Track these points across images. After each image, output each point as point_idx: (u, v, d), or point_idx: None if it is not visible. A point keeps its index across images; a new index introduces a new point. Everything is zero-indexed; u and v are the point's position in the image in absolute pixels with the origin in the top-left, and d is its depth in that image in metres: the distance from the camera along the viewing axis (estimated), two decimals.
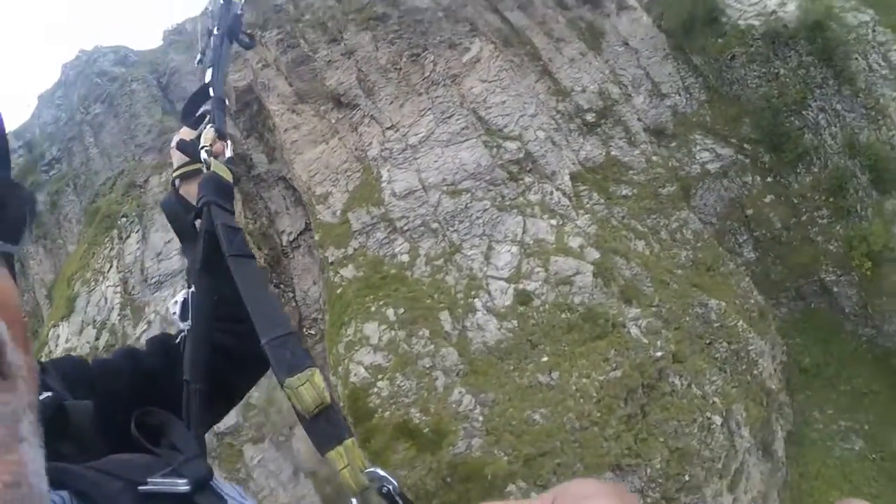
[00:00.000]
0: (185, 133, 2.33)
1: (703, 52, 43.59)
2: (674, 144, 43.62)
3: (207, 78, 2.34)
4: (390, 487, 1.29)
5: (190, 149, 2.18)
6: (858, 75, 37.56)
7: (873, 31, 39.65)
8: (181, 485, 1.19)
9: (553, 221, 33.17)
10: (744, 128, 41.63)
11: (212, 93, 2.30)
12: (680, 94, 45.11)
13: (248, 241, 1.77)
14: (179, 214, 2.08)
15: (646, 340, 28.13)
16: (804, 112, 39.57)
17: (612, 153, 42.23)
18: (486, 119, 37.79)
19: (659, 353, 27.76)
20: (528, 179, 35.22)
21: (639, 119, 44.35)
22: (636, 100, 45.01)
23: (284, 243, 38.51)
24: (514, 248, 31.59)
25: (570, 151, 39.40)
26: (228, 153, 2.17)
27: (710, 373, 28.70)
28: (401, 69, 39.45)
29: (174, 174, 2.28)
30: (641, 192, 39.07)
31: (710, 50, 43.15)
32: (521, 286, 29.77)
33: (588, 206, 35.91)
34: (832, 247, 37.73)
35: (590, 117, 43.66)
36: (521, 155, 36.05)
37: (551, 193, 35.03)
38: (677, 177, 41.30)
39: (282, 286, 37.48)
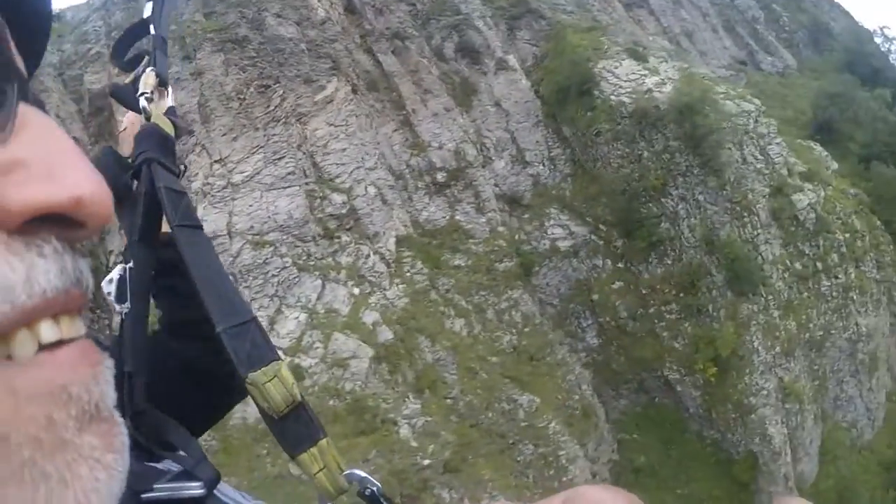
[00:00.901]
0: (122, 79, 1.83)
1: (573, 123, 39.41)
2: (527, 216, 39.50)
3: (147, 12, 1.74)
4: (374, 489, 1.13)
5: (125, 95, 1.66)
6: (728, 167, 33.80)
7: (755, 121, 36.35)
8: (195, 488, 1.08)
9: (356, 290, 28.85)
10: (601, 208, 37.46)
11: (152, 30, 1.73)
12: (544, 164, 41.08)
13: (194, 209, 1.37)
14: (114, 173, 1.50)
15: (415, 444, 23.46)
16: (663, 199, 35.51)
17: (457, 217, 37.92)
18: (321, 166, 33.48)
19: (427, 462, 23.07)
20: (344, 238, 30.98)
21: (495, 184, 40.17)
22: (497, 164, 40.86)
23: (110, 263, 34.00)
24: (303, 316, 27.12)
25: (403, 212, 35.28)
26: (170, 102, 1.67)
27: (502, 479, 24.39)
28: (244, 99, 34.64)
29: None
30: (477, 263, 34.91)
31: (578, 122, 38.93)
32: (297, 361, 25.04)
33: (408, 274, 31.59)
34: (678, 345, 34.03)
35: (440, 177, 39.28)
36: (345, 210, 31.83)
37: (367, 257, 30.70)
38: (521, 251, 36.96)
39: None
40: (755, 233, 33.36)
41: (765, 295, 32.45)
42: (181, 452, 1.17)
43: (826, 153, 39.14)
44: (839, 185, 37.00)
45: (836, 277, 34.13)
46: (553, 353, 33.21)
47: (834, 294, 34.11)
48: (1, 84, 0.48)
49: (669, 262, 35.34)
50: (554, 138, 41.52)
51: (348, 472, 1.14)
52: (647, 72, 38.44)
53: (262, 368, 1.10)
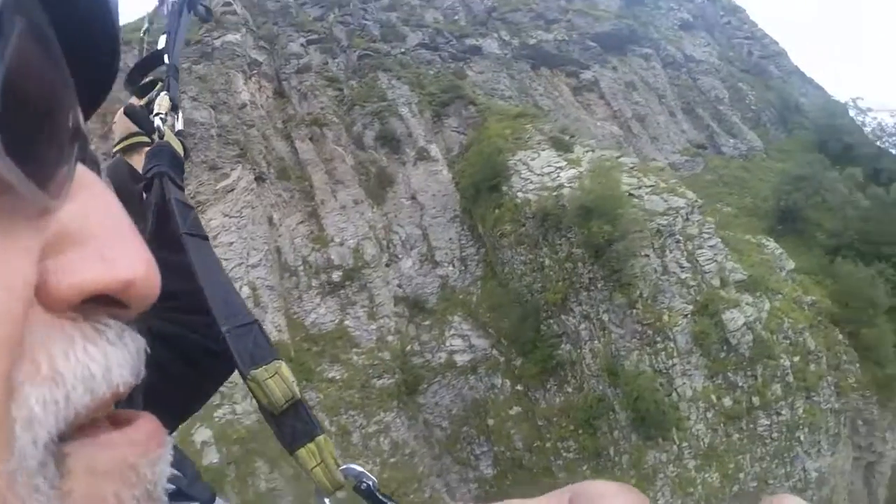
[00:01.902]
0: (134, 101, 1.84)
1: (484, 221, 31.33)
2: (427, 322, 31.88)
3: (161, 44, 1.84)
4: (370, 483, 1.10)
5: (139, 116, 1.72)
6: (642, 279, 25.37)
7: (685, 220, 27.55)
8: None
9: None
10: (505, 320, 29.14)
11: (167, 60, 1.82)
12: (454, 265, 33.53)
13: (199, 221, 1.41)
14: (127, 183, 1.69)
15: None
16: (564, 316, 27.08)
17: (346, 323, 30.60)
18: None
19: None
20: None
21: (399, 286, 33.00)
22: (404, 263, 33.53)
23: None
24: None
25: (280, 315, 29.25)
26: (179, 125, 1.73)
27: None
28: None
29: (118, 146, 1.89)
30: (352, 378, 28.46)
31: (487, 220, 30.81)
32: None
33: None
34: None
35: (336, 276, 32.43)
36: None
37: None
38: (409, 365, 29.16)
39: None
40: (670, 362, 24.46)
41: (678, 441, 24.01)
42: (174, 471, 0.78)
43: (781, 250, 30.93)
44: (792, 292, 27.55)
45: (779, 414, 24.92)
46: (421, 490, 26.20)
47: (774, 435, 24.91)
48: (60, 144, 0.41)
49: (570, 390, 26.94)
50: (468, 236, 33.69)
51: (345, 467, 1.10)
52: (564, 164, 31.62)
53: (264, 366, 1.08)
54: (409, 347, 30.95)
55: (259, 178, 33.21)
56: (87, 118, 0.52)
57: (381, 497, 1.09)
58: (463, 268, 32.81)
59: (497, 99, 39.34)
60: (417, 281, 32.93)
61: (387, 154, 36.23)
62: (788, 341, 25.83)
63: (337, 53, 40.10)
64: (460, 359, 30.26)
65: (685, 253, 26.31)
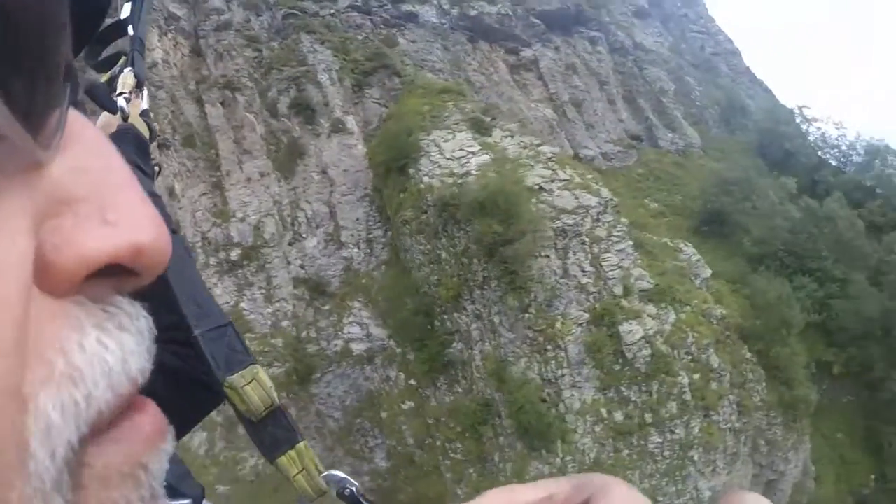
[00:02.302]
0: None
1: (391, 203, 28.76)
2: (327, 307, 29.39)
3: (125, 13, 1.57)
4: (353, 489, 1.09)
5: (101, 95, 1.48)
6: (538, 282, 22.97)
7: (595, 220, 25.11)
8: None
9: None
10: (404, 310, 26.88)
11: (131, 31, 1.58)
12: (360, 247, 30.81)
13: (168, 214, 1.24)
14: None
15: None
16: (457, 314, 24.76)
17: (242, 305, 28.24)
18: None
19: None
20: None
21: (301, 266, 30.75)
22: (308, 242, 30.87)
23: None
24: None
25: None
26: (144, 105, 1.58)
27: None
28: None
29: None
30: None
31: (392, 203, 28.34)
32: None
33: None
34: (461, 491, 24.11)
35: (234, 255, 29.87)
36: None
37: None
38: (302, 353, 26.96)
39: None
40: (559, 372, 22.37)
41: (562, 454, 22.16)
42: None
43: (698, 257, 28.82)
44: (702, 304, 25.39)
45: (672, 432, 22.97)
46: None
47: (666, 453, 22.98)
48: (51, 82, 0.32)
49: (460, 391, 24.94)
50: (376, 217, 30.97)
51: (327, 473, 1.08)
52: (478, 148, 29.08)
53: (241, 372, 1.01)
54: (304, 334, 28.76)
55: (163, 146, 30.03)
56: (75, 55, 0.41)
57: (365, 502, 1.04)
58: (368, 250, 30.33)
59: (426, 71, 36.38)
60: (321, 262, 30.44)
61: (300, 124, 33.30)
62: (690, 357, 23.73)
63: (262, 11, 36.75)
64: (357, 348, 28.15)
65: (589, 256, 24.01)
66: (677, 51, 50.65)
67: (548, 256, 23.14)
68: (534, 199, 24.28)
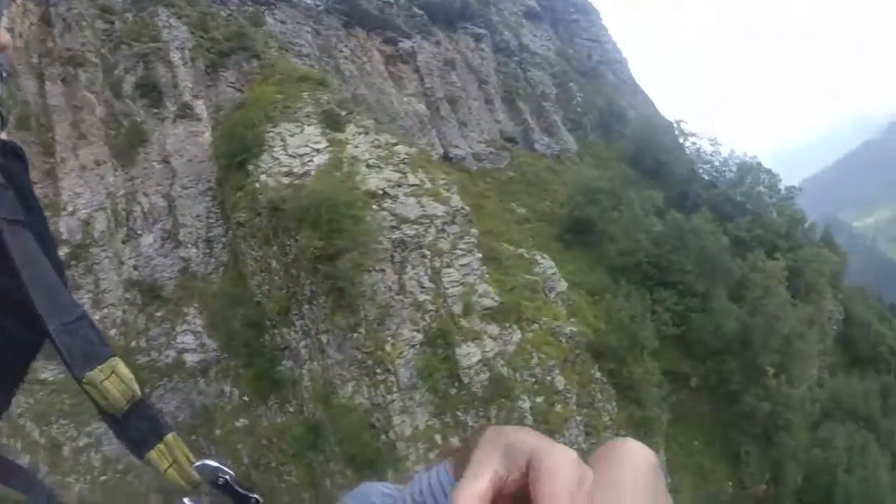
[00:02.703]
0: None
1: (228, 201, 25.63)
2: (160, 314, 26.39)
3: None
4: (227, 478, 1.03)
5: None
6: (370, 299, 20.46)
7: (440, 231, 22.82)
8: None
9: None
10: (236, 321, 23.57)
11: None
12: (198, 247, 27.56)
13: (15, 201, 1.11)
14: None
15: None
16: (286, 329, 22.16)
17: None
18: None
19: None
20: None
21: (134, 267, 27.48)
22: (144, 239, 27.91)
23: None
24: None
25: None
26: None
27: None
28: None
29: None
30: (67, 381, 21.65)
31: (229, 202, 25.22)
32: None
33: None
34: None
35: (62, 253, 26.65)
36: None
37: None
38: (132, 367, 23.75)
39: None
40: (389, 397, 20.18)
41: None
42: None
43: (554, 269, 27.06)
44: (553, 321, 23.66)
45: None
46: None
47: None
48: None
49: (291, 411, 22.55)
50: (217, 214, 28.11)
51: (199, 463, 1.01)
52: (325, 145, 26.49)
53: (99, 366, 0.95)
54: (134, 343, 25.73)
55: None
56: None
57: (240, 490, 1.01)
58: (208, 251, 27.29)
59: (292, 55, 33.27)
60: (156, 262, 27.25)
61: (145, 106, 29.71)
62: (534, 380, 21.95)
63: None
64: (190, 359, 25.40)
65: (430, 271, 21.79)
66: (564, 56, 49.34)
67: (383, 271, 20.79)
68: (375, 206, 21.86)
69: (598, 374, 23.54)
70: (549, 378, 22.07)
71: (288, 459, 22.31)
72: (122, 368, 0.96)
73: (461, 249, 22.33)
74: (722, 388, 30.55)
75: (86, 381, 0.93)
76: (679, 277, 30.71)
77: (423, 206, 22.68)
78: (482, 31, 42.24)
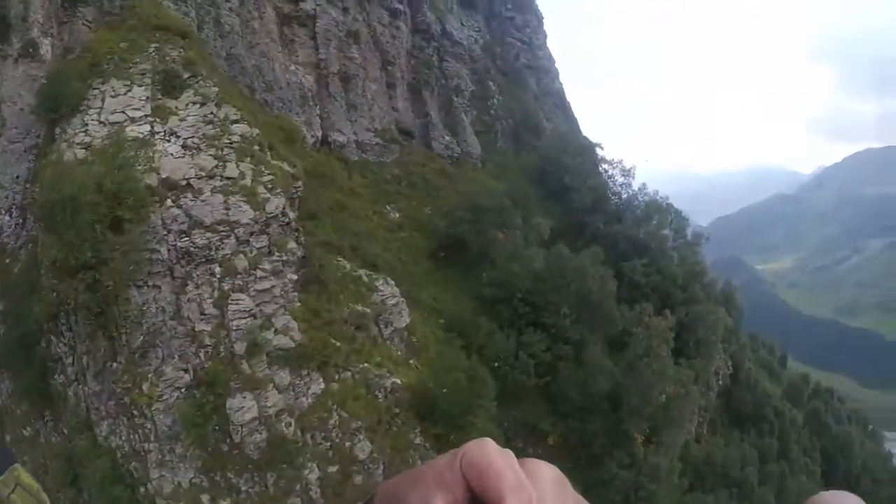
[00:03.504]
0: None
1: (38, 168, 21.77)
2: None
3: None
4: None
5: None
6: (138, 322, 15.88)
7: (242, 242, 17.97)
8: None
9: None
10: (26, 312, 18.66)
11: None
12: (11, 215, 22.25)
13: None
14: None
15: None
16: (55, 338, 17.60)
17: None
18: None
19: None
20: None
21: None
22: None
23: None
24: None
25: None
26: None
27: None
28: None
29: None
30: None
31: (37, 169, 20.20)
32: None
33: None
34: None
35: None
36: None
37: None
38: None
39: None
40: (147, 446, 15.91)
41: None
42: None
43: (398, 299, 22.53)
44: (374, 368, 19.70)
45: None
46: None
47: None
48: None
49: (66, 433, 18.11)
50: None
51: None
52: (143, 114, 21.04)
53: (1, 478, 0.84)
54: None
55: None
56: None
57: None
58: (21, 221, 21.85)
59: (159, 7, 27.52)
60: None
61: None
62: (329, 444, 17.53)
63: None
64: None
65: (216, 294, 17.00)
66: (490, 52, 44.68)
67: (157, 287, 15.95)
68: (170, 201, 16.90)
69: (419, 440, 19.35)
70: (349, 443, 17.73)
71: (55, 487, 17.41)
72: (26, 477, 0.85)
73: (264, 270, 17.63)
74: (584, 449, 27.05)
75: None
76: (554, 320, 26.89)
77: (227, 209, 17.85)
78: (401, 6, 37.21)
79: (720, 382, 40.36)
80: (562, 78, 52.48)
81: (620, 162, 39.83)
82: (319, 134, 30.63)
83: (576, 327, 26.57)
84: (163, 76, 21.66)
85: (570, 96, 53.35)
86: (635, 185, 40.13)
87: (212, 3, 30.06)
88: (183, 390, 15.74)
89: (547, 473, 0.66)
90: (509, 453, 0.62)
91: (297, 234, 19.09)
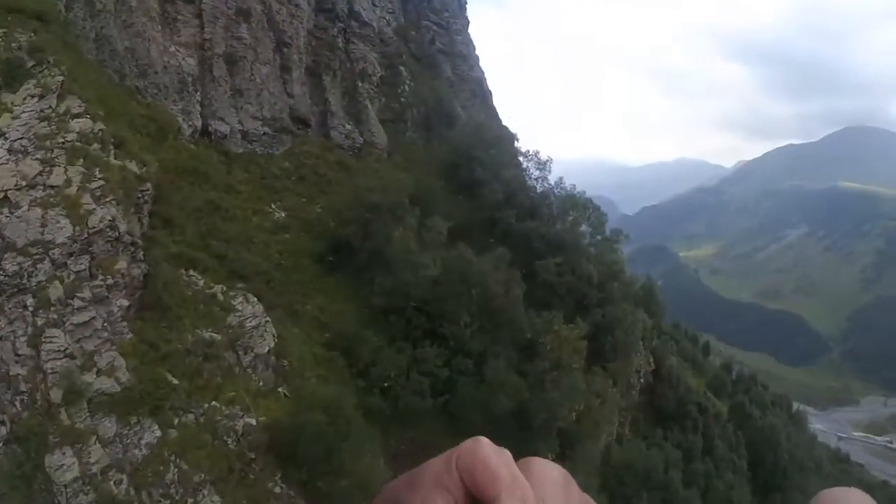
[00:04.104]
0: None
1: None
2: None
3: None
4: None
5: None
6: None
7: (58, 266, 13.05)
8: None
9: None
10: None
11: None
12: None
13: None
14: None
15: None
16: None
17: None
18: None
19: None
20: None
21: None
22: None
23: None
24: None
25: None
26: None
27: None
28: None
29: None
30: None
31: None
32: None
33: None
34: None
35: None
36: None
37: None
38: None
39: None
40: None
41: None
42: None
43: (258, 321, 18.46)
44: (225, 406, 15.99)
45: None
46: None
47: None
48: None
49: None
50: None
51: None
52: None
53: None
54: None
55: None
56: None
57: None
58: None
59: None
60: None
61: None
62: (169, 501, 14.03)
63: None
64: None
65: (31, 330, 13.30)
66: (404, 35, 41.15)
67: None
68: None
69: (281, 488, 15.99)
70: (192, 500, 14.28)
71: None
72: None
73: (83, 298, 13.95)
74: None
75: None
76: (453, 331, 23.81)
77: (44, 225, 14.10)
78: None
79: (641, 381, 38.29)
80: (483, 64, 49.24)
81: (536, 153, 36.86)
82: (199, 123, 26.74)
83: (478, 338, 23.55)
84: (4, 66, 17.66)
85: (502, 86, 49.89)
86: (552, 179, 37.22)
87: None
88: (1, 444, 12.11)
89: (551, 473, 0.65)
90: (505, 452, 0.62)
91: (133, 249, 15.39)
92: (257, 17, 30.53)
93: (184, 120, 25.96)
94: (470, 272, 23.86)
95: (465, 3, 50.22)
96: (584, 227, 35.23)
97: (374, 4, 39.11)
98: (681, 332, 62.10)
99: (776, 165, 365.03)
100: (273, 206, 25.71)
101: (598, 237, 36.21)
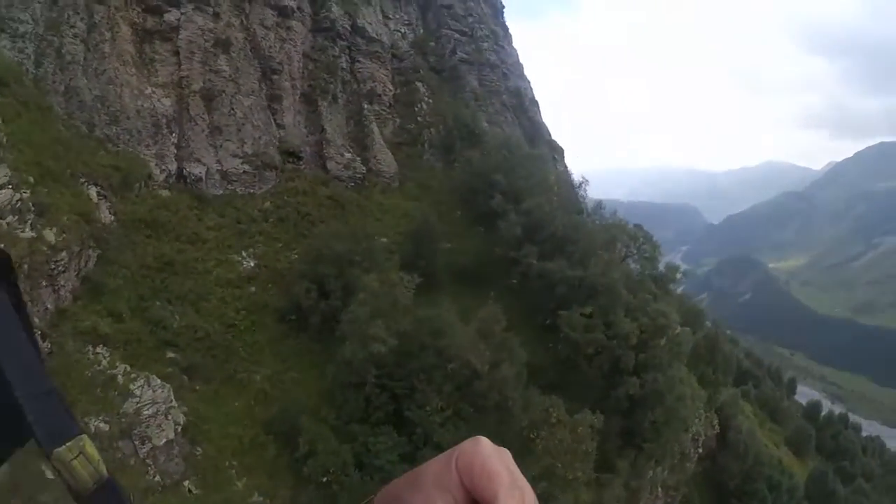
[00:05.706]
0: None
1: None
2: None
3: None
4: None
5: None
6: None
7: None
8: None
9: None
10: None
11: None
12: None
13: None
14: None
15: None
16: None
17: None
18: None
19: None
20: None
21: None
22: None
23: None
24: None
25: None
26: None
27: None
28: None
29: None
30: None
31: None
32: None
33: None
34: None
35: None
36: None
37: None
38: None
39: None
40: None
41: None
42: None
43: (158, 410, 15.37)
44: None
45: None
46: None
47: None
48: None
49: None
50: None
51: None
52: None
53: (67, 444, 0.84)
54: None
55: None
56: None
57: None
58: None
59: (5, 36, 21.35)
60: None
61: None
62: None
63: None
64: None
65: None
66: (421, 48, 36.85)
67: None
68: None
69: None
70: None
71: None
72: (90, 448, 0.81)
73: None
74: None
75: (54, 458, 0.80)
76: (420, 416, 18.98)
77: None
78: (294, 3, 29.71)
79: (700, 449, 31.83)
80: (529, 74, 44.07)
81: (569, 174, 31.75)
82: (173, 167, 23.51)
83: (453, 427, 18.60)
84: None
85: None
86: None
87: (55, 33, 23.38)
88: None
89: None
90: (505, 452, 0.61)
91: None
92: (238, 46, 27.02)
93: (157, 165, 22.87)
94: (446, 343, 18.95)
95: (503, 7, 45.57)
96: (631, 263, 29.61)
97: (386, 17, 35.08)
98: (763, 369, 54.92)
99: (868, 166, 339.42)
100: (243, 254, 21.90)
101: (648, 274, 30.46)
